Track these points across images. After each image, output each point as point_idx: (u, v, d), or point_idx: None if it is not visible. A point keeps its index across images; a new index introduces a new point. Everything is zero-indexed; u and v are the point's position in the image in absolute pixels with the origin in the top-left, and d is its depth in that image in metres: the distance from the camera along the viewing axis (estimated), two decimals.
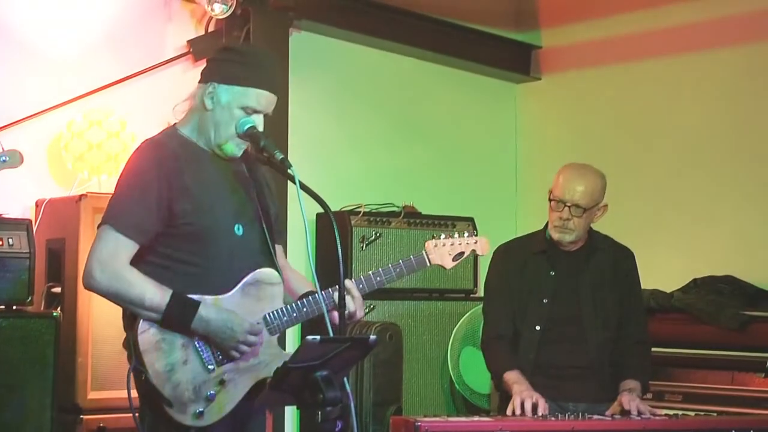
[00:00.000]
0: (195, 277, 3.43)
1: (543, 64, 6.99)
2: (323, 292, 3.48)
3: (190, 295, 3.39)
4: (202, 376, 3.39)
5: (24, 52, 5.11)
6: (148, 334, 3.36)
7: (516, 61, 6.95)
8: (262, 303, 3.51)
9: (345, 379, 3.23)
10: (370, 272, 3.66)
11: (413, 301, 5.86)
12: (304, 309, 3.53)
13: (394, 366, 5.52)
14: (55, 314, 4.54)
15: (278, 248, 3.65)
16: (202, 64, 5.47)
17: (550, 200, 4.54)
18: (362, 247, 5.71)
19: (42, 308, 4.69)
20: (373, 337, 3.14)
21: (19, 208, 4.92)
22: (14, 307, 4.49)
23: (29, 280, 4.50)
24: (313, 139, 6.01)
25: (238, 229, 3.49)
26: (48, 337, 4.48)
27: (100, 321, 4.62)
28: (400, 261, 3.72)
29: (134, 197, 3.41)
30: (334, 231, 3.31)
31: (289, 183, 3.43)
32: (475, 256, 5.81)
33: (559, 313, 4.55)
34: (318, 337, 3.05)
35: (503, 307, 4.65)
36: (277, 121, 5.56)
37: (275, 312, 3.52)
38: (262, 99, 3.49)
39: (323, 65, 6.14)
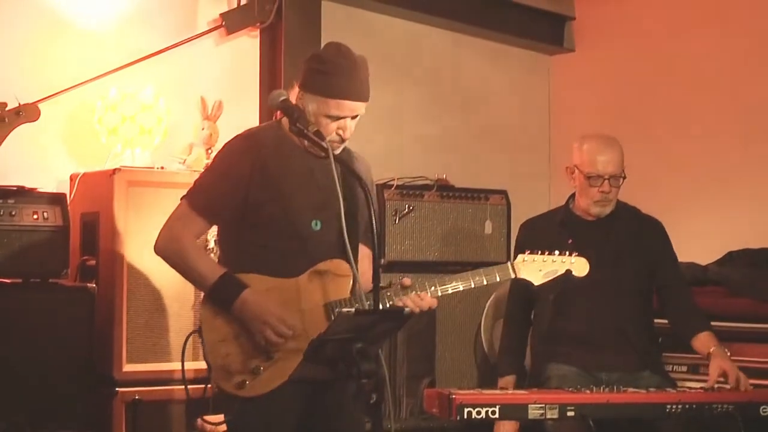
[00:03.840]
0: (264, 261, 3.56)
1: (577, 36, 6.94)
2: (390, 290, 3.58)
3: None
4: (252, 348, 3.49)
5: (57, 26, 5.11)
6: (209, 306, 3.55)
7: (549, 32, 6.90)
8: (327, 292, 3.57)
9: (379, 351, 3.23)
10: (445, 276, 3.74)
11: (446, 275, 5.83)
12: (368, 302, 3.54)
13: (427, 338, 5.52)
14: (89, 287, 4.56)
15: (364, 250, 3.70)
16: (235, 38, 5.58)
17: (587, 177, 4.53)
18: (395, 221, 5.70)
19: (77, 281, 4.71)
20: (407, 309, 3.14)
21: (54, 182, 4.94)
22: (49, 280, 4.51)
23: (64, 254, 4.52)
24: None
25: (316, 225, 3.59)
26: (83, 309, 4.51)
27: (135, 294, 4.63)
28: (481, 270, 3.77)
29: (212, 180, 3.64)
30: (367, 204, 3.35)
31: None
32: (508, 227, 5.92)
33: (576, 282, 4.56)
34: (352, 309, 3.05)
35: (519, 285, 4.65)
36: None
37: (337, 301, 3.55)
38: (344, 107, 3.55)
39: (355, 36, 6.05)
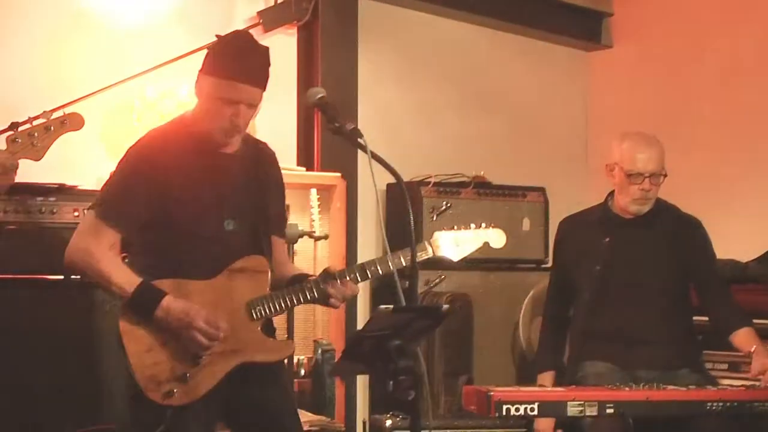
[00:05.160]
0: (180, 264, 3.49)
1: (614, 32, 6.91)
2: (310, 281, 3.53)
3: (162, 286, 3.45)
4: (179, 356, 3.44)
5: (95, 26, 5.14)
6: (127, 316, 3.45)
7: (587, 29, 6.88)
8: (247, 289, 3.53)
9: (418, 348, 3.23)
10: (364, 262, 3.66)
11: (483, 272, 5.83)
12: (288, 297, 3.55)
13: (464, 336, 5.52)
14: None
15: (280, 244, 3.68)
16: (272, 35, 5.60)
17: (627, 175, 4.51)
18: (432, 218, 5.70)
19: None
20: (445, 306, 3.14)
21: (93, 179, 4.96)
22: None
23: None
24: (382, 109, 5.99)
25: (228, 224, 3.54)
26: None
27: None
28: (399, 252, 3.65)
29: (117, 190, 3.52)
30: (405, 201, 3.30)
31: (360, 153, 3.42)
32: (546, 224, 5.90)
33: (614, 280, 4.55)
34: (390, 306, 3.05)
35: (557, 282, 4.79)
36: (347, 90, 5.59)
37: (258, 299, 3.53)
38: (237, 89, 3.47)
39: (392, 34, 6.12)
